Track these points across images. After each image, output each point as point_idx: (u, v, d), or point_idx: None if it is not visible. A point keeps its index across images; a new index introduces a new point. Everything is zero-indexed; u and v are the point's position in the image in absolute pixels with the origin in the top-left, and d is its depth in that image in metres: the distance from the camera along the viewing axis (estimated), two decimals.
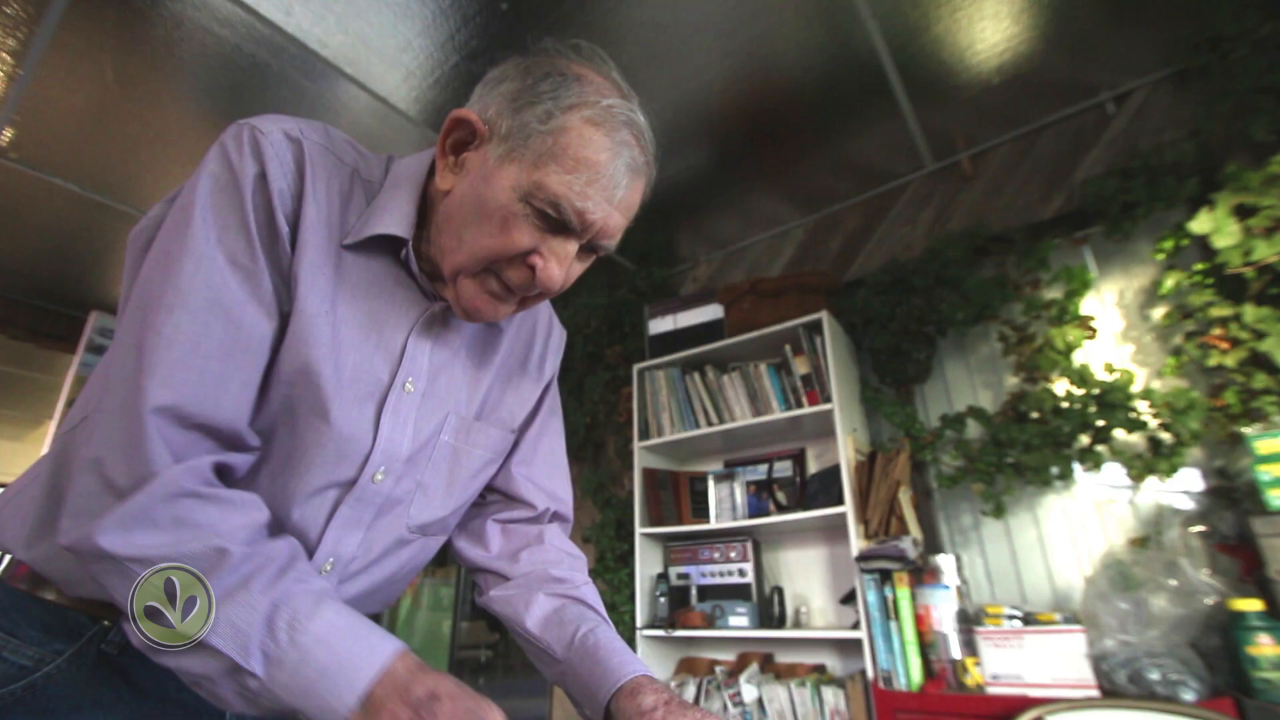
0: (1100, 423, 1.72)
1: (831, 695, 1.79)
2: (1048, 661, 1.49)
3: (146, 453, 0.48)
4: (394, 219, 0.63)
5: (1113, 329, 1.87)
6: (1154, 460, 1.66)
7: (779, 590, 2.09)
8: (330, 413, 0.60)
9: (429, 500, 0.71)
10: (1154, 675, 1.35)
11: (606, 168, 0.57)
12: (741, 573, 2.13)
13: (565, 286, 0.63)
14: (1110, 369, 1.76)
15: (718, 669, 2.08)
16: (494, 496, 0.82)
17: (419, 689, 0.47)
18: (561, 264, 0.60)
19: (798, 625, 2.06)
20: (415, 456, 0.68)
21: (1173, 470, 1.63)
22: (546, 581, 0.76)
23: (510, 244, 0.59)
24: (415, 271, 0.65)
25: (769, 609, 2.08)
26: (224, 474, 0.55)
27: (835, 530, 2.07)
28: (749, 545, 2.15)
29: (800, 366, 2.10)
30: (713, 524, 2.17)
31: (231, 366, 0.54)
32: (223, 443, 0.54)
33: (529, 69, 0.60)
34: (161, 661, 0.48)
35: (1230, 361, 1.59)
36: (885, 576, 1.73)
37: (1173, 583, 1.43)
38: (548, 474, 0.83)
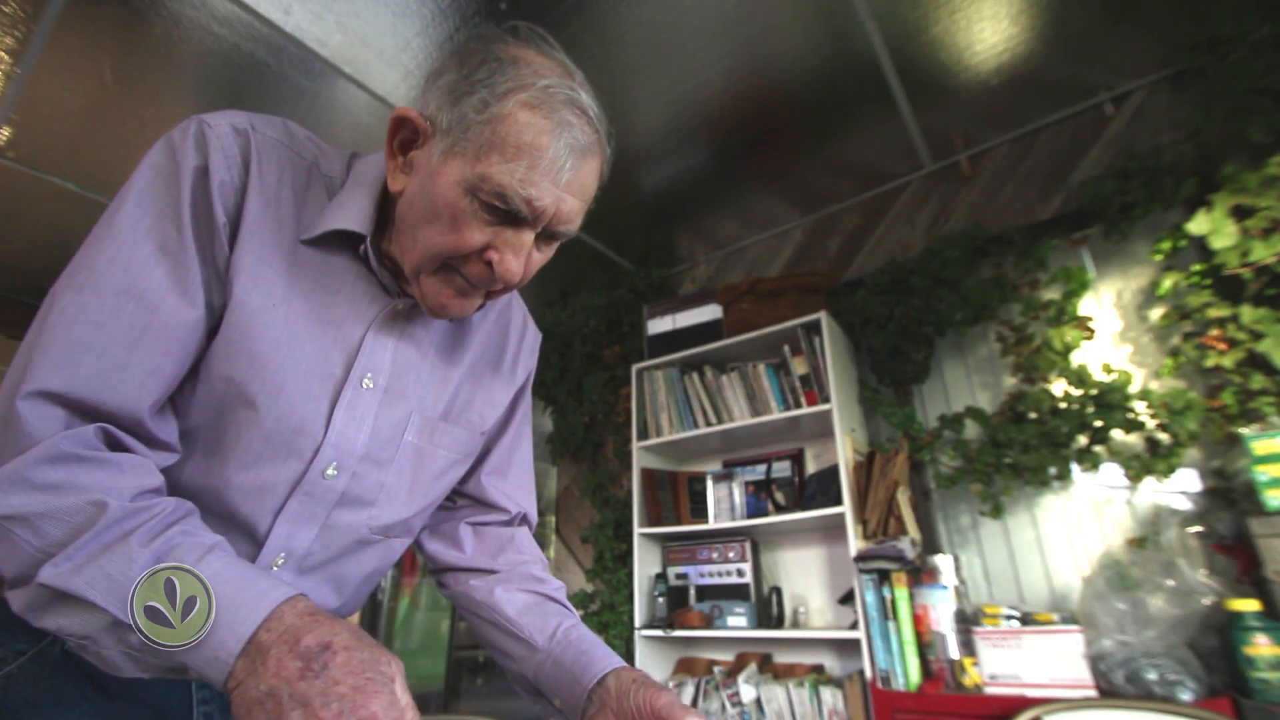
0: (1098, 423, 1.72)
1: (830, 695, 1.79)
2: (1045, 661, 1.49)
3: (27, 428, 0.47)
4: (351, 215, 0.62)
5: (1111, 330, 1.87)
6: (1151, 461, 1.66)
7: (777, 590, 2.09)
8: (277, 405, 0.59)
9: (391, 501, 0.70)
10: (1151, 675, 1.35)
11: (548, 150, 0.55)
12: (740, 573, 2.13)
13: (528, 277, 0.63)
14: (1108, 369, 1.76)
15: (716, 669, 2.09)
16: (464, 502, 0.83)
17: (310, 638, 0.43)
18: (518, 255, 0.59)
19: (796, 625, 2.06)
20: (376, 455, 0.67)
21: (1170, 471, 1.64)
22: (526, 579, 0.77)
23: (463, 242, 0.58)
24: (375, 267, 0.65)
25: (767, 609, 2.08)
26: (116, 449, 0.53)
27: (834, 530, 2.07)
28: (747, 545, 2.15)
29: (799, 367, 2.10)
30: (711, 524, 2.17)
31: (138, 353, 0.52)
32: (118, 428, 0.53)
33: (465, 58, 0.59)
34: (42, 624, 0.47)
35: (1228, 362, 1.60)
36: (883, 577, 1.73)
37: (1170, 583, 1.44)
38: (520, 485, 0.84)
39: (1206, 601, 1.40)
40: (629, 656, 2.31)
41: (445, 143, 0.57)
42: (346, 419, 0.64)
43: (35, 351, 0.49)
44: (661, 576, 2.25)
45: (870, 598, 1.73)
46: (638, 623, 2.19)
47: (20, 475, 0.46)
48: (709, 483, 2.27)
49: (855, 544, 1.80)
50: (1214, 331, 1.63)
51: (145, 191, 0.55)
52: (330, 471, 0.63)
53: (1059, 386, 1.84)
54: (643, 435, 2.41)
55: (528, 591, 0.76)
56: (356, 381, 0.64)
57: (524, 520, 0.85)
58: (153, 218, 0.54)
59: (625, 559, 2.48)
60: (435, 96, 0.59)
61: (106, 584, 0.45)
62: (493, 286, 0.62)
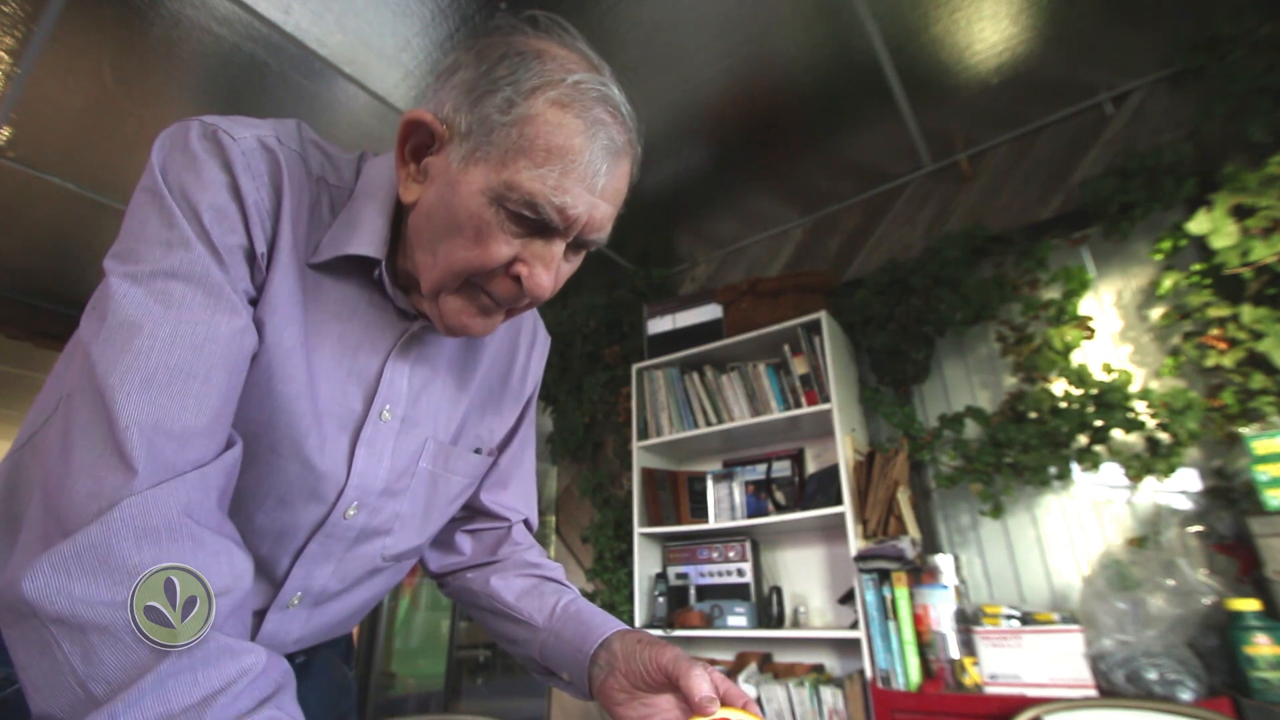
0: (1098, 423, 1.72)
1: (830, 695, 1.79)
2: (1046, 661, 1.49)
3: (136, 467, 0.39)
4: (364, 237, 0.56)
5: (1111, 329, 1.87)
6: (1152, 460, 1.66)
7: (777, 590, 2.09)
8: (302, 451, 0.56)
9: (405, 529, 0.68)
10: (1152, 675, 1.35)
11: (583, 154, 0.50)
12: (740, 572, 2.13)
13: (556, 290, 0.57)
14: (1108, 369, 1.76)
15: (716, 669, 2.08)
16: (463, 514, 0.82)
17: None
18: (549, 268, 0.54)
19: (796, 625, 2.06)
20: (392, 487, 0.64)
21: (1170, 470, 1.64)
22: (521, 564, 0.77)
23: (488, 257, 0.52)
24: (391, 292, 0.60)
25: (767, 609, 2.08)
26: (223, 505, 0.47)
27: (834, 530, 2.07)
28: (747, 545, 2.15)
29: (799, 366, 2.10)
30: (711, 524, 2.17)
31: (235, 377, 0.48)
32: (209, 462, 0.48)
33: (483, 53, 0.53)
34: None
35: (1228, 362, 1.60)
36: (884, 576, 1.72)
37: (1170, 583, 1.44)
38: (520, 494, 0.83)
39: (1207, 601, 1.40)
40: None
41: (465, 148, 0.51)
42: (367, 456, 0.61)
43: (132, 370, 0.42)
44: (661, 576, 2.25)
45: (870, 597, 1.73)
46: (638, 622, 2.19)
47: (106, 547, 0.37)
48: (709, 482, 2.27)
49: (855, 544, 1.80)
50: (1214, 331, 1.63)
51: (186, 204, 0.49)
52: (351, 511, 0.61)
53: (1059, 386, 1.84)
54: (643, 435, 2.41)
55: (524, 575, 0.75)
56: (375, 415, 0.61)
57: (524, 523, 0.84)
58: (195, 232, 0.49)
59: (625, 559, 2.48)
60: (451, 96, 0.53)
61: None
62: (519, 303, 0.57)
